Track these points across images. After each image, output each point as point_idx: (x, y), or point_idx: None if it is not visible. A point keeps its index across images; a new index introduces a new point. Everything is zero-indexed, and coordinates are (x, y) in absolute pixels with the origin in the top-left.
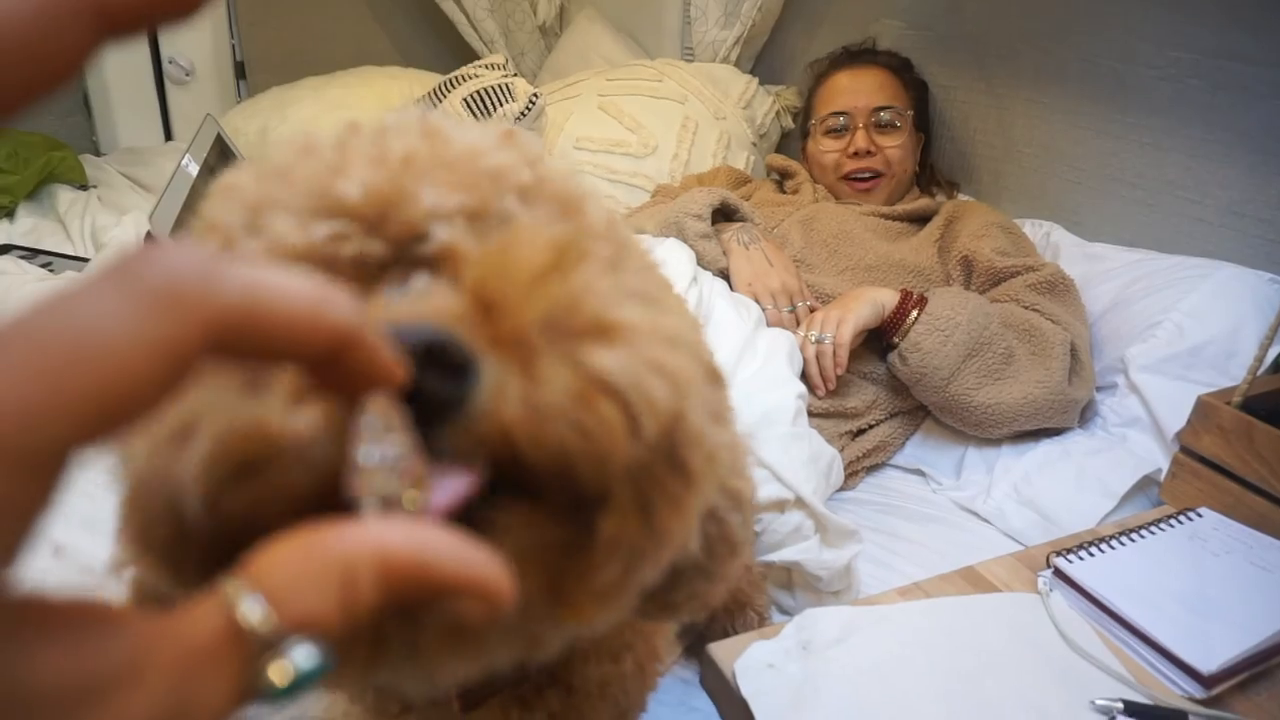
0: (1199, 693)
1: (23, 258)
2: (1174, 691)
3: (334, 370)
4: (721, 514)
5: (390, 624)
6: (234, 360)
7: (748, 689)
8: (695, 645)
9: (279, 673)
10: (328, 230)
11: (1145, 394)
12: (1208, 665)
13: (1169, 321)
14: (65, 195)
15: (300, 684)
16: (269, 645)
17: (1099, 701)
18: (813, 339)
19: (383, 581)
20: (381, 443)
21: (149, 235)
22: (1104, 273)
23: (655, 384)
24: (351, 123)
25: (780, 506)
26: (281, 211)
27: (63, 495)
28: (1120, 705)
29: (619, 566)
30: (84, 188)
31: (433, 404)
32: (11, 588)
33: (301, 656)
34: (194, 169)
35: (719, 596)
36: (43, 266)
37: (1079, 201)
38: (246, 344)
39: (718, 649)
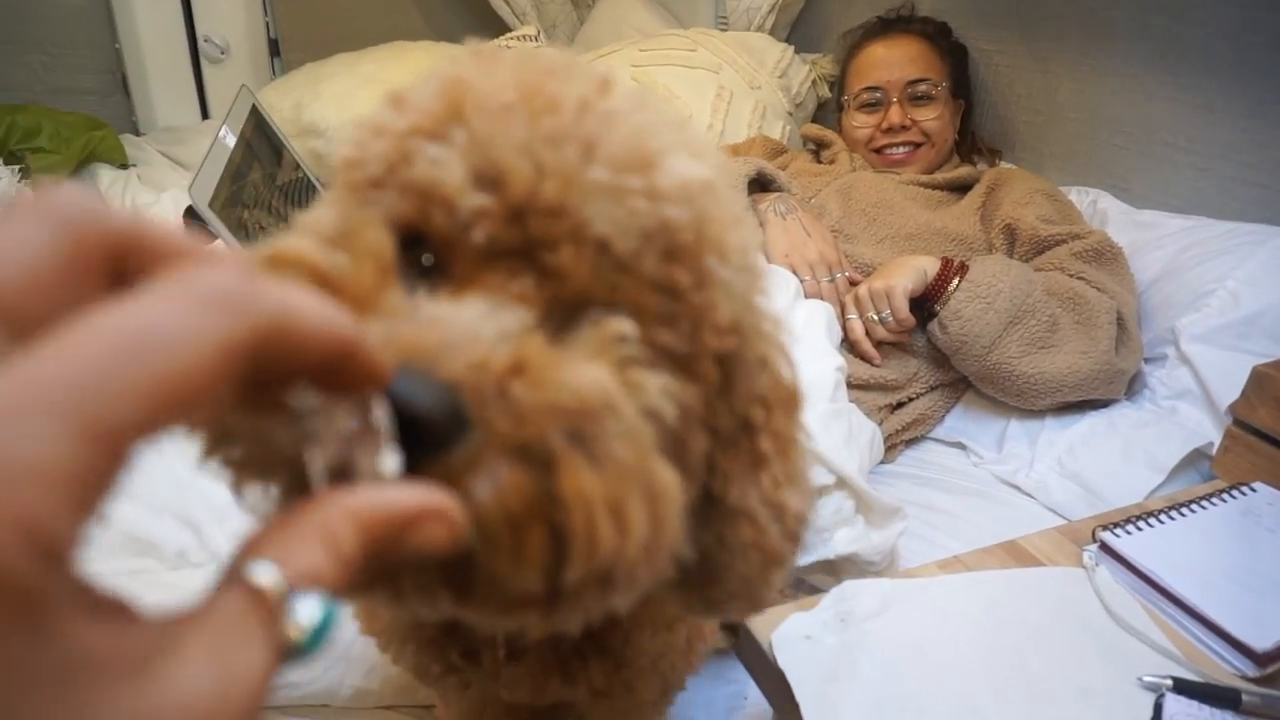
0: (1252, 671)
1: None
2: (1225, 669)
3: (333, 373)
4: (761, 522)
5: (401, 567)
6: (265, 365)
7: (785, 660)
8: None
9: (295, 627)
10: (478, 205)
11: (1196, 365)
12: (1262, 643)
13: (1222, 290)
14: (106, 174)
15: (318, 634)
16: (283, 602)
17: (1146, 678)
18: (874, 318)
19: (360, 532)
20: (357, 422)
21: (188, 210)
22: (1154, 240)
23: (620, 514)
24: (530, 64)
25: (819, 492)
26: (450, 155)
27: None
28: (1169, 682)
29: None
30: (124, 167)
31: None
32: (78, 564)
33: (311, 607)
34: (231, 140)
35: (765, 600)
36: None
37: (1128, 167)
38: (278, 349)
39: (754, 620)
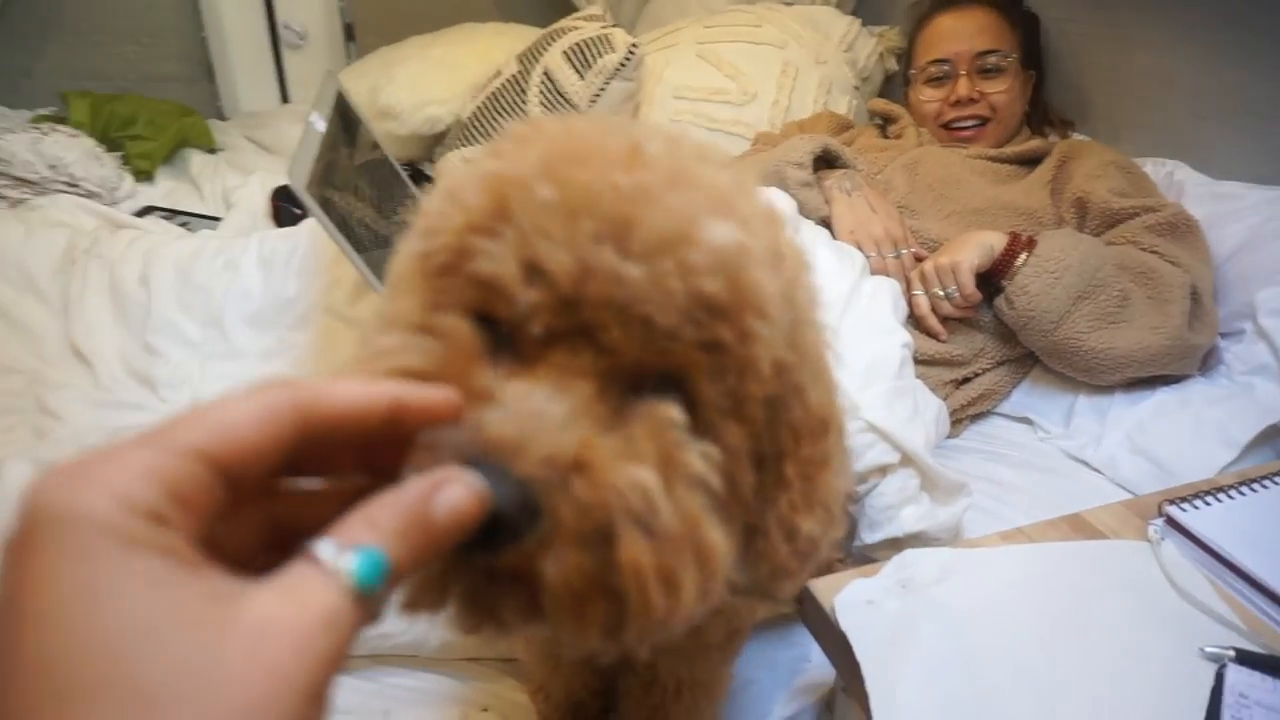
0: None
1: (163, 218)
2: None
3: (395, 423)
4: (773, 539)
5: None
6: (318, 437)
7: (847, 623)
8: None
9: (345, 573)
10: (531, 300)
11: (1275, 339)
12: None
13: None
14: (197, 159)
15: (366, 577)
16: (335, 559)
17: (1209, 649)
18: (939, 294)
19: (391, 510)
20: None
21: (277, 191)
22: (1233, 212)
23: (671, 581)
24: (563, 148)
25: (883, 471)
26: (502, 251)
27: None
28: (1232, 653)
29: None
30: (212, 151)
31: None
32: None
33: (354, 559)
34: (321, 125)
35: (780, 596)
36: (180, 225)
37: (1206, 136)
38: (318, 417)
39: (818, 585)
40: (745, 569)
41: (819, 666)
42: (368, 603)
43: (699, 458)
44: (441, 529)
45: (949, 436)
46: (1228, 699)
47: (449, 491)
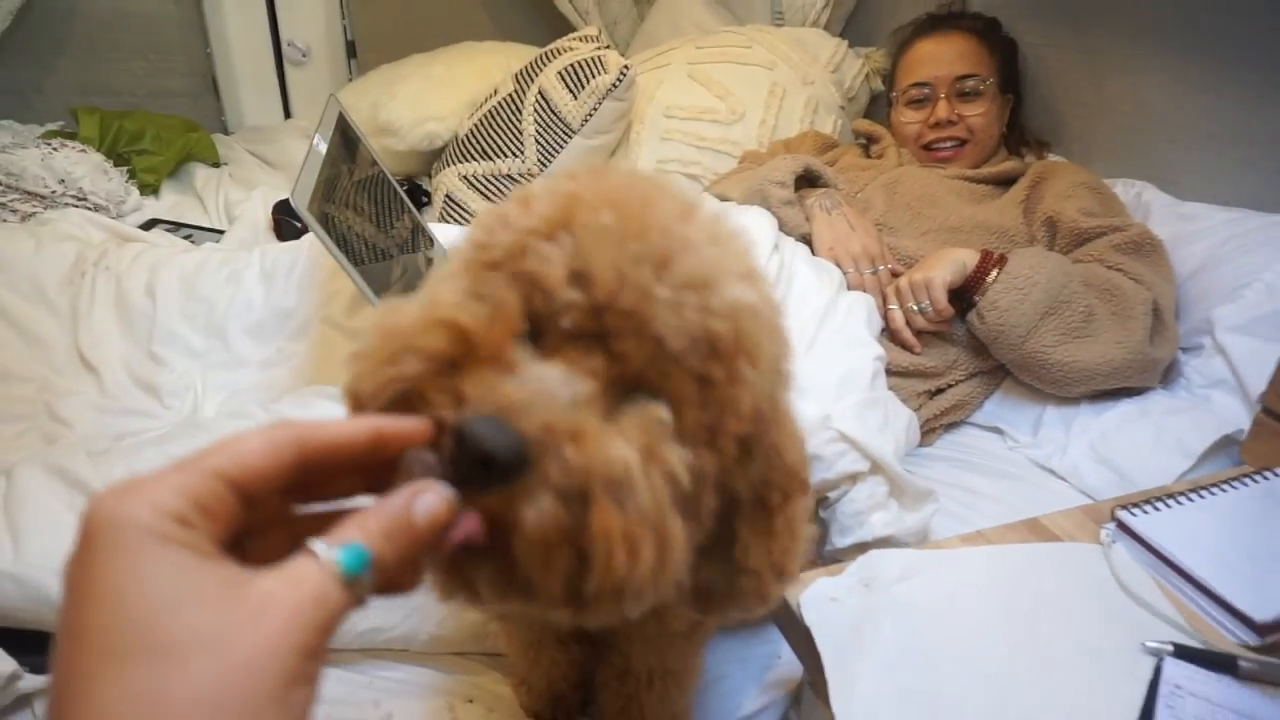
0: (1252, 640)
1: (168, 230)
2: (1227, 639)
3: (378, 450)
4: (765, 578)
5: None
6: (317, 463)
7: (811, 619)
8: None
9: (333, 562)
10: (570, 299)
11: (1231, 355)
12: (1262, 614)
13: (1260, 281)
14: (201, 173)
15: (351, 565)
16: (327, 553)
17: (1150, 644)
18: (914, 309)
19: (378, 515)
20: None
21: (278, 205)
22: (1196, 232)
23: (634, 548)
24: (630, 189)
25: (853, 478)
26: (557, 255)
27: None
28: (1170, 648)
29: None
30: (217, 165)
31: (488, 471)
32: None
33: (340, 553)
34: (323, 147)
35: (769, 601)
36: (185, 238)
37: (1173, 159)
38: (314, 448)
39: None
40: (732, 599)
41: (788, 663)
42: (353, 587)
43: (677, 457)
44: (420, 529)
45: (922, 445)
46: (1163, 690)
47: (425, 499)
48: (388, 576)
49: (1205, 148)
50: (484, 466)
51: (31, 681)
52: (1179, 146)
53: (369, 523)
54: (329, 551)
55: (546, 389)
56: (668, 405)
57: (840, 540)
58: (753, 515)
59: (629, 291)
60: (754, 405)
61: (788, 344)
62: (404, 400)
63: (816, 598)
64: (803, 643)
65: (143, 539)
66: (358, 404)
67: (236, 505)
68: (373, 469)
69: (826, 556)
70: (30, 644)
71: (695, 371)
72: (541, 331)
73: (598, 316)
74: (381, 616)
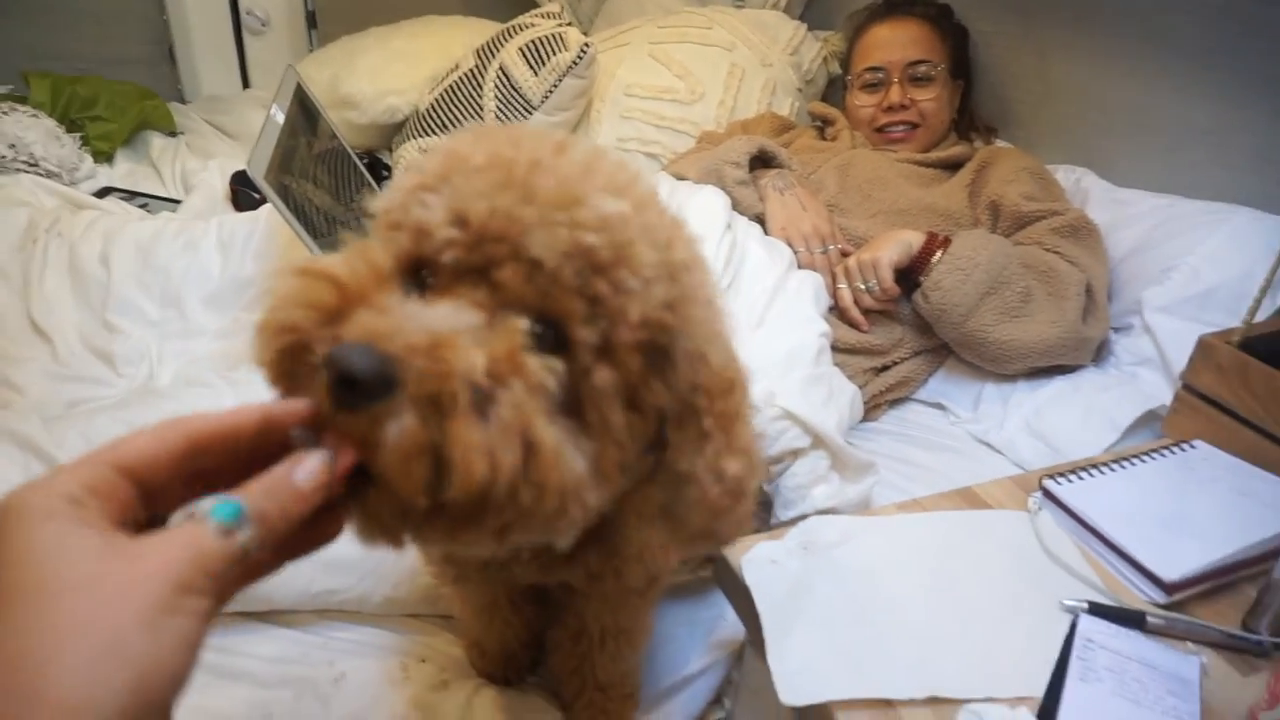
0: (1161, 598)
1: (123, 199)
2: (1139, 597)
3: (274, 428)
4: (704, 484)
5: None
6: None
7: (751, 579)
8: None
9: (208, 517)
10: (448, 236)
11: (1157, 334)
12: (1170, 574)
13: (1185, 265)
14: (157, 141)
15: (226, 517)
16: (206, 511)
17: (1067, 602)
18: (861, 288)
19: (259, 480)
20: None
21: (236, 176)
22: (1130, 217)
23: (494, 457)
24: (506, 137)
25: (795, 454)
26: (437, 201)
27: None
28: (1085, 605)
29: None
30: (173, 134)
31: (354, 392)
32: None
33: (218, 509)
34: (280, 117)
35: (728, 538)
36: (140, 207)
37: (1110, 147)
38: (206, 440)
39: (729, 548)
40: (687, 516)
41: (732, 624)
42: (228, 533)
43: (540, 366)
44: (303, 489)
45: (867, 420)
46: (1077, 643)
47: (306, 463)
48: (276, 529)
49: (1141, 137)
50: (351, 389)
51: None
52: (1116, 135)
53: (250, 486)
54: (204, 505)
55: (413, 318)
56: (555, 325)
57: (784, 513)
58: (680, 421)
59: (498, 219)
60: (645, 314)
61: (688, 251)
62: (293, 352)
63: (757, 559)
64: (743, 603)
65: (35, 515)
66: (268, 374)
67: (129, 489)
68: (269, 453)
69: (771, 529)
70: None
71: (576, 288)
72: (434, 273)
73: (478, 249)
74: (336, 579)
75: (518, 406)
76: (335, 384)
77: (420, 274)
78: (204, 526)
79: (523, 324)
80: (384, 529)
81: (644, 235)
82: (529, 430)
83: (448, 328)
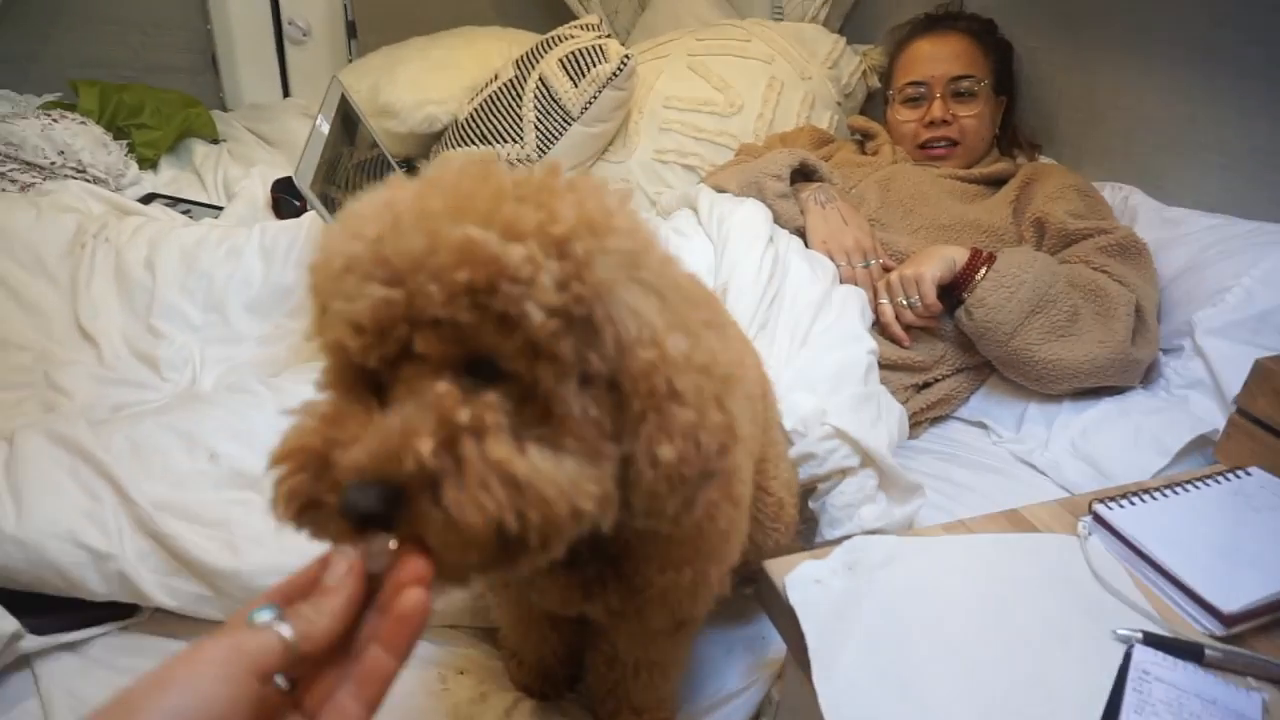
0: (1219, 630)
1: (167, 205)
2: (1195, 628)
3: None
4: (640, 465)
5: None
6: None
7: (795, 599)
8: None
9: (263, 623)
10: (358, 345)
11: (1209, 357)
12: (1229, 605)
13: (1239, 286)
14: (200, 149)
15: (260, 619)
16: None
17: (1120, 631)
18: (903, 303)
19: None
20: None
21: (277, 183)
22: (1180, 237)
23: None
24: (365, 213)
25: (845, 473)
26: (333, 321)
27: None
28: (1140, 635)
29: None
30: (215, 141)
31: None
32: None
33: (269, 616)
34: (326, 128)
35: (677, 520)
36: (184, 213)
37: (1161, 165)
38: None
39: (772, 565)
40: (627, 499)
41: (773, 645)
42: (257, 629)
43: (479, 409)
44: (329, 584)
45: (909, 438)
46: (1132, 675)
47: (333, 566)
48: (316, 622)
49: (1191, 155)
50: (373, 520)
51: (33, 642)
52: (1166, 153)
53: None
54: (262, 618)
55: (379, 434)
56: (489, 358)
57: (830, 532)
58: (618, 401)
59: (381, 311)
60: (548, 302)
61: (578, 214)
62: (307, 509)
63: (802, 579)
64: (787, 623)
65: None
66: (297, 529)
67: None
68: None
69: (816, 547)
70: (31, 605)
71: (478, 321)
72: (379, 369)
73: (386, 342)
74: None
75: (482, 464)
76: (363, 524)
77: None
78: (239, 624)
79: (443, 386)
80: (453, 579)
81: (508, 232)
82: (505, 468)
83: (404, 426)
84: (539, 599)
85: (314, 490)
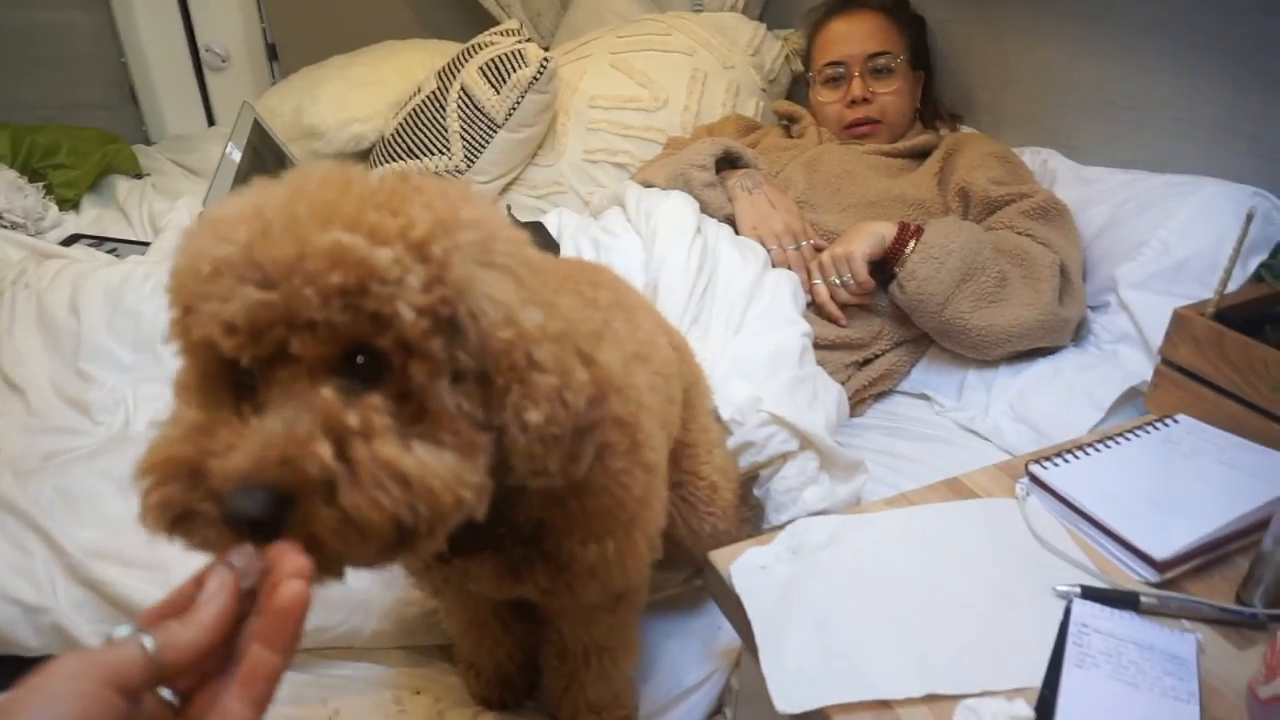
0: (1154, 577)
1: (91, 245)
2: (1132, 577)
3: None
4: (512, 431)
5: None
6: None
7: (741, 586)
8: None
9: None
10: (231, 344)
11: (1133, 310)
12: (1161, 552)
13: (1155, 239)
14: (123, 185)
15: (117, 635)
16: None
17: (1059, 588)
18: (836, 282)
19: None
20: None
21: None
22: (1098, 195)
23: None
24: (232, 213)
25: (785, 457)
26: (201, 320)
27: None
28: (1078, 589)
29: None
30: (139, 176)
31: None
32: None
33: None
34: (237, 155)
35: (558, 476)
36: (109, 252)
37: (1074, 126)
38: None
39: (717, 555)
40: (511, 459)
41: (728, 633)
42: (120, 645)
43: (366, 412)
44: (201, 599)
45: (853, 415)
46: (1072, 629)
47: (209, 584)
48: (181, 636)
49: (1101, 113)
50: (260, 525)
51: None
52: (1076, 113)
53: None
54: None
55: (261, 438)
56: (368, 358)
57: (776, 517)
58: (481, 381)
59: (255, 313)
60: (416, 305)
61: (436, 215)
62: (181, 519)
63: (747, 567)
64: (736, 611)
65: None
66: (170, 538)
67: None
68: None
69: (763, 533)
70: None
71: (352, 322)
72: (249, 368)
73: (260, 343)
74: (324, 615)
75: (376, 458)
76: (247, 529)
77: (234, 369)
78: (106, 640)
79: (327, 392)
80: (332, 572)
81: (374, 237)
82: (394, 467)
83: (288, 431)
84: (476, 587)
85: (187, 499)
